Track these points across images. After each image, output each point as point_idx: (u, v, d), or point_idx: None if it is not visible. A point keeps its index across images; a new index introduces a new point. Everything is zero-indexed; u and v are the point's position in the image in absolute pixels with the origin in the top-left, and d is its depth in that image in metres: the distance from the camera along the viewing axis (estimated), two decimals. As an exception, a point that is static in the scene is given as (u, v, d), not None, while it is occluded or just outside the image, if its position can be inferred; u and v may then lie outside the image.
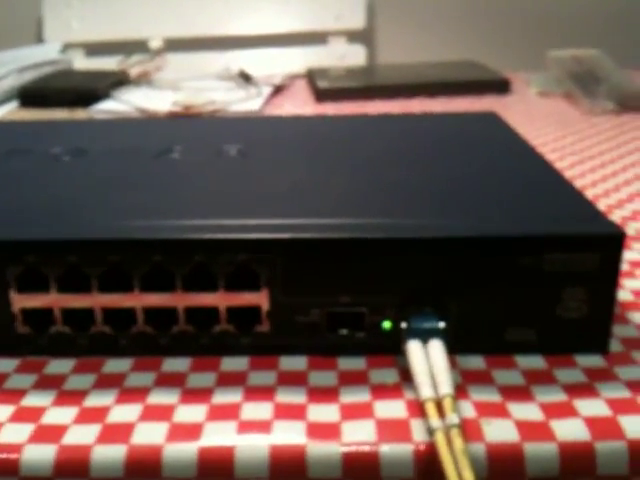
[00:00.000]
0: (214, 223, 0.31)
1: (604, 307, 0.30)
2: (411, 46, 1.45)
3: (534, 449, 0.26)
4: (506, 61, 1.14)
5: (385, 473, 0.26)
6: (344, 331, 0.31)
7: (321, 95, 0.87)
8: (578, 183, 0.53)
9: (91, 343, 0.31)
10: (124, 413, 0.28)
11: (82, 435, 0.27)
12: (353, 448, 0.26)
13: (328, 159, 0.40)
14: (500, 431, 0.26)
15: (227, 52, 1.32)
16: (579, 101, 0.80)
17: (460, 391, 0.29)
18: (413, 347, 0.29)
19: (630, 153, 0.62)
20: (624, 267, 0.39)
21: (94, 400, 0.29)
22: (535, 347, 0.31)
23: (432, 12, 1.45)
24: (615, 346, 0.31)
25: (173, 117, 0.75)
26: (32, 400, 0.29)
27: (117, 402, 0.29)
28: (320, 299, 0.30)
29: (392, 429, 0.27)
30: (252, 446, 0.26)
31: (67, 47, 1.24)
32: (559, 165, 0.58)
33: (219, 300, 0.30)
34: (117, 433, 0.27)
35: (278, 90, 0.93)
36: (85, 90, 0.84)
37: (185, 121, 0.56)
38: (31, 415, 0.28)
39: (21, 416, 0.28)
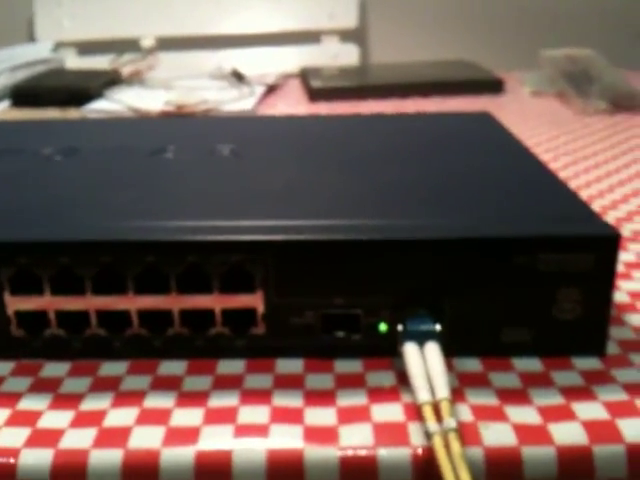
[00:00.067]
0: (207, 224, 0.31)
1: (600, 309, 0.30)
2: (404, 45, 1.44)
3: (532, 453, 0.26)
4: (499, 60, 1.14)
5: (383, 477, 0.26)
6: (340, 333, 0.31)
7: (314, 95, 0.87)
8: (572, 184, 0.53)
9: (86, 346, 0.31)
10: (120, 417, 0.28)
11: (79, 439, 0.27)
12: (350, 452, 0.26)
13: (321, 159, 0.40)
14: (498, 435, 0.26)
15: (220, 51, 1.31)
16: (572, 101, 0.80)
17: (457, 394, 0.29)
18: (409, 350, 0.29)
19: (624, 154, 0.62)
20: (620, 268, 0.39)
21: (90, 404, 0.29)
22: (531, 349, 0.31)
23: (425, 11, 1.45)
24: (612, 348, 0.31)
25: (166, 116, 0.75)
26: (28, 404, 0.29)
27: (113, 406, 0.28)
28: (315, 301, 0.30)
29: (389, 433, 0.27)
30: (249, 450, 0.26)
31: (59, 46, 1.23)
32: (553, 166, 0.58)
33: (214, 302, 0.30)
34: (113, 437, 0.27)
35: (271, 89, 0.93)
36: (77, 89, 0.84)
37: (178, 120, 0.56)
38: (27, 419, 0.28)
39: (17, 420, 0.28)
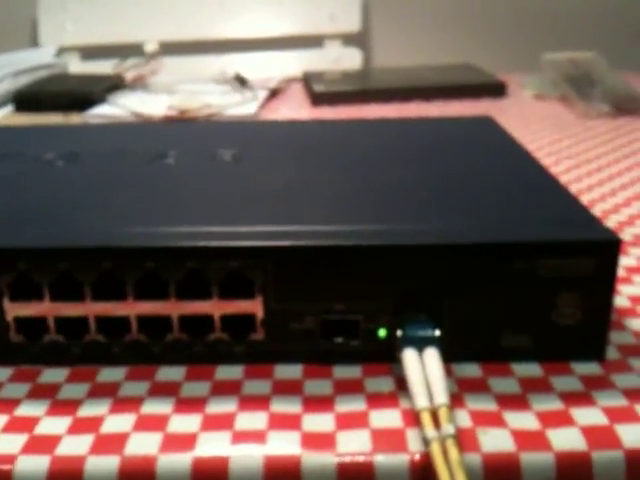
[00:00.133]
0: (207, 230, 0.31)
1: (600, 313, 0.30)
2: (406, 49, 1.44)
3: (530, 459, 0.26)
4: (502, 63, 1.14)
5: (380, 483, 0.26)
6: (339, 339, 0.31)
7: (317, 99, 0.87)
8: (574, 187, 0.53)
9: (85, 352, 0.31)
10: (118, 423, 0.28)
11: (76, 446, 0.27)
12: (348, 458, 0.26)
13: (322, 165, 0.40)
14: (496, 441, 0.26)
15: (223, 55, 1.32)
16: (574, 104, 0.80)
17: (456, 399, 0.28)
18: (409, 356, 0.29)
19: (626, 157, 0.62)
20: (621, 273, 0.39)
21: (88, 410, 0.29)
22: (531, 354, 0.31)
23: (427, 14, 1.45)
24: (612, 353, 0.31)
25: (168, 121, 0.75)
26: (26, 410, 0.29)
27: (111, 412, 0.28)
28: (314, 306, 0.30)
29: (387, 439, 0.26)
30: (247, 456, 0.26)
31: (62, 51, 1.24)
32: (555, 169, 0.58)
33: (213, 308, 0.30)
34: (110, 444, 0.27)
35: (274, 94, 0.93)
36: (80, 94, 0.84)
37: (180, 125, 0.56)
38: (25, 425, 0.28)
39: (15, 426, 0.28)
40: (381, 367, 0.31)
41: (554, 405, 0.28)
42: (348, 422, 0.28)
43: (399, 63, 1.11)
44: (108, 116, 0.79)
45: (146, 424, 0.28)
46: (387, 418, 0.28)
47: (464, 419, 0.27)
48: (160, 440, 0.27)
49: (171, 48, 1.17)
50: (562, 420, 0.27)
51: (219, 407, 0.29)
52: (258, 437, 0.27)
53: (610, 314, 0.30)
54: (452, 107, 0.83)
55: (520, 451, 0.26)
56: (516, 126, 0.72)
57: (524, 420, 0.27)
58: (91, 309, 0.30)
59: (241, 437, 0.27)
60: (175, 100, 0.81)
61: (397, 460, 0.26)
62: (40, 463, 0.26)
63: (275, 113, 0.82)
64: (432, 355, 0.29)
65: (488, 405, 0.28)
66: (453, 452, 0.24)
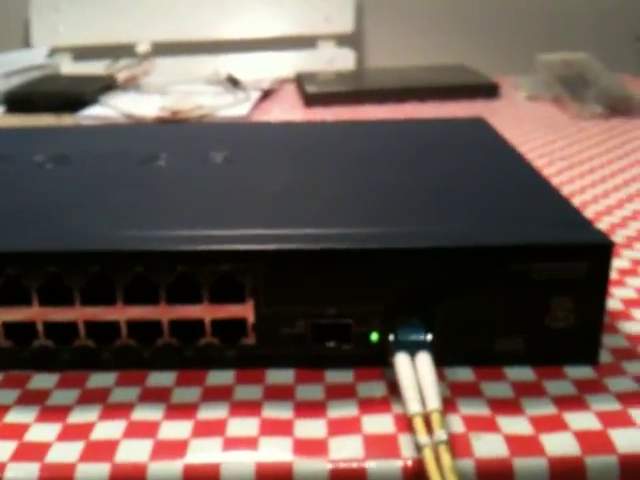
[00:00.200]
0: (197, 233, 0.30)
1: (593, 317, 0.30)
2: (400, 50, 1.44)
3: (523, 464, 0.25)
4: (495, 65, 1.14)
5: (373, 489, 0.25)
6: (331, 343, 0.31)
7: (310, 100, 0.86)
8: (567, 189, 0.53)
9: (74, 357, 0.31)
10: (108, 430, 0.27)
11: (65, 453, 0.26)
12: (340, 465, 0.26)
13: (315, 167, 0.40)
14: (489, 446, 0.26)
15: (215, 56, 1.31)
16: (568, 105, 0.80)
17: (448, 404, 0.28)
18: (401, 361, 0.28)
19: (619, 158, 0.62)
20: (613, 275, 0.39)
21: (78, 416, 0.28)
22: (524, 358, 0.31)
23: (421, 16, 1.45)
24: (605, 357, 0.31)
25: (160, 122, 0.74)
26: (15, 416, 0.28)
27: (101, 418, 0.28)
28: (305, 310, 0.30)
29: (380, 445, 0.26)
30: (238, 463, 0.26)
31: (54, 51, 1.23)
32: (548, 171, 0.58)
33: (204, 312, 0.30)
34: (101, 451, 0.26)
35: (266, 95, 0.93)
36: (72, 95, 0.83)
37: (172, 127, 0.55)
38: (14, 432, 0.28)
39: (3, 433, 0.27)
40: (373, 371, 0.31)
41: (547, 410, 0.28)
42: (340, 428, 0.27)
43: (392, 64, 1.11)
44: (100, 117, 0.79)
45: (136, 430, 0.27)
46: (379, 423, 0.27)
47: (457, 424, 0.27)
48: (151, 447, 0.26)
49: (163, 49, 1.17)
50: (555, 425, 0.27)
51: (210, 413, 0.28)
52: (250, 443, 0.27)
53: (603, 317, 0.30)
54: (445, 108, 0.83)
55: (513, 456, 0.26)
56: (509, 127, 0.72)
57: (517, 425, 0.27)
58: (80, 314, 0.30)
59: (232, 443, 0.27)
60: (167, 101, 0.80)
61: (390, 466, 0.25)
62: (30, 470, 0.26)
63: (268, 114, 0.82)
64: (424, 359, 0.28)
65: (481, 410, 0.28)
66: (446, 458, 0.24)
